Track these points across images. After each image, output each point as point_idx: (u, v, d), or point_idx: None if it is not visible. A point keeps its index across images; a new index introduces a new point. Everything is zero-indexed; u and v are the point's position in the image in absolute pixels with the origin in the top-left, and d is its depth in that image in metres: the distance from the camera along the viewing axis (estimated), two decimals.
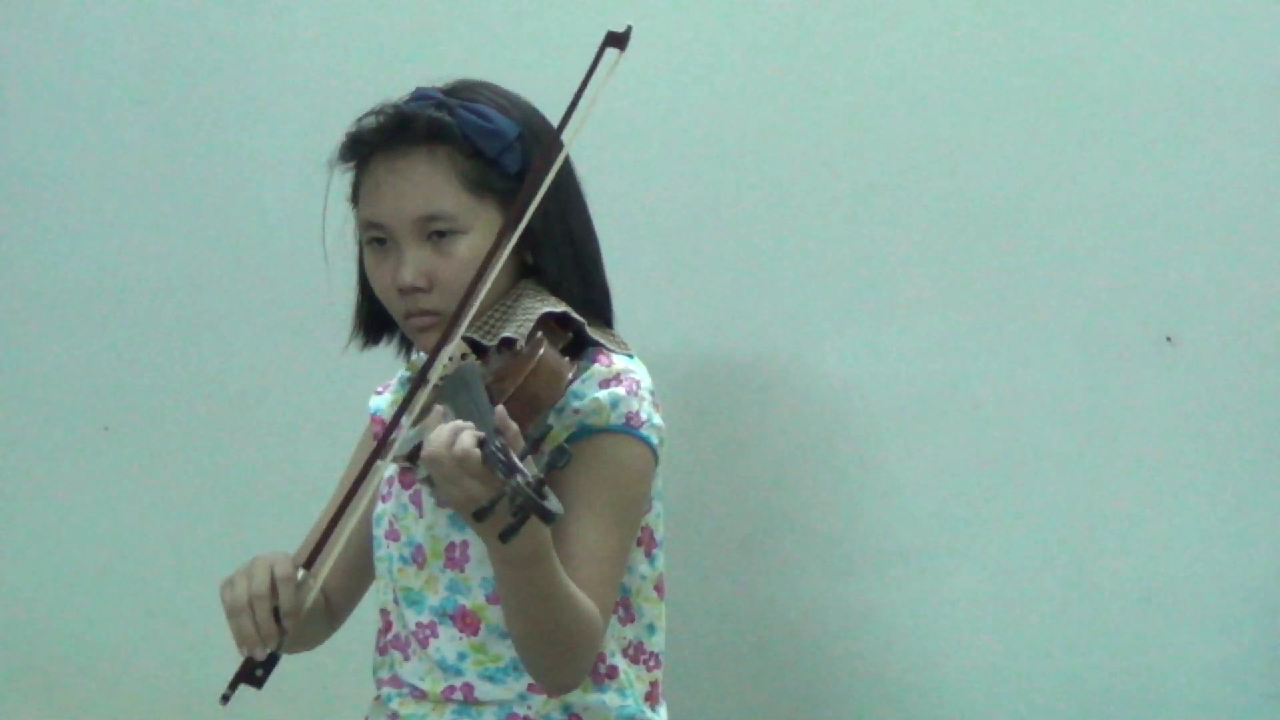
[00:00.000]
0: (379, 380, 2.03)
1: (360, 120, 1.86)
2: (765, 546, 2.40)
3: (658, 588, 1.90)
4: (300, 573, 1.78)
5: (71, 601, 2.84)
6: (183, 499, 2.77)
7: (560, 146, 1.80)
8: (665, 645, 1.91)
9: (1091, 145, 2.26)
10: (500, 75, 1.92)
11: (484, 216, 1.82)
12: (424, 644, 1.85)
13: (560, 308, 1.81)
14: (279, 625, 1.75)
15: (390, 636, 1.90)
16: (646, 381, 1.83)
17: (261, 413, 2.73)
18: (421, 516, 1.85)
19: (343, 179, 1.89)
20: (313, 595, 1.80)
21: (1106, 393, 2.26)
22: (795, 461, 2.38)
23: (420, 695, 1.86)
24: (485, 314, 1.81)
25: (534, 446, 1.54)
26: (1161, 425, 2.24)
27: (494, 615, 1.80)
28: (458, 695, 1.83)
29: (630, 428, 1.78)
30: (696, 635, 2.38)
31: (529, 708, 1.82)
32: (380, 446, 1.78)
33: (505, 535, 1.47)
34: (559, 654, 1.72)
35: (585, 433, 1.77)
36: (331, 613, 1.99)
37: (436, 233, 1.82)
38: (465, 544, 1.82)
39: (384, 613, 1.92)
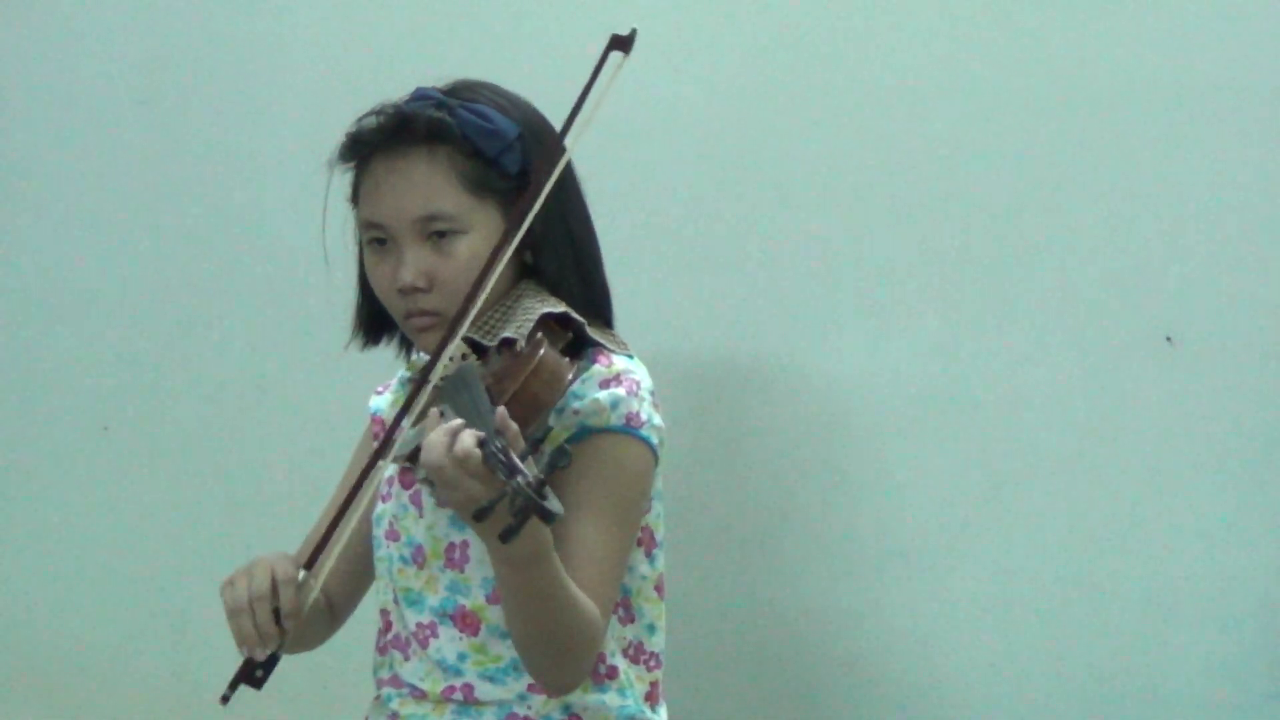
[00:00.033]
0: (379, 380, 2.03)
1: (360, 120, 1.86)
2: (765, 546, 2.40)
3: (658, 588, 1.90)
4: (301, 574, 1.78)
5: (71, 601, 2.84)
6: (183, 499, 2.77)
7: (563, 150, 1.80)
8: (665, 645, 1.91)
9: (1091, 145, 2.26)
10: (503, 78, 1.92)
11: (484, 217, 1.82)
12: (424, 644, 1.85)
13: (560, 308, 1.81)
14: (279, 626, 1.75)
15: (390, 637, 1.90)
16: (646, 382, 1.83)
17: (261, 413, 2.73)
18: (422, 517, 1.85)
19: (343, 179, 1.89)
20: (313, 596, 1.80)
21: (1106, 393, 2.26)
22: (795, 461, 2.38)
23: (420, 695, 1.86)
24: (485, 314, 1.81)
25: (534, 447, 1.54)
26: (1161, 425, 2.24)
27: (494, 615, 1.80)
28: (458, 695, 1.83)
29: (630, 428, 1.78)
30: (696, 635, 2.37)
31: (529, 708, 1.82)
32: (382, 447, 1.78)
33: (505, 536, 1.47)
34: (559, 654, 1.72)
35: (585, 433, 1.77)
36: (332, 613, 1.99)
37: (436, 233, 1.81)
38: (465, 544, 1.82)
39: (384, 613, 1.92)
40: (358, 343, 1.96)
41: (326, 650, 2.01)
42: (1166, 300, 2.24)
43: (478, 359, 1.79)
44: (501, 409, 1.59)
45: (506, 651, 1.80)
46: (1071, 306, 2.27)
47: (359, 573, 1.99)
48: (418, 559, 1.85)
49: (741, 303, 2.41)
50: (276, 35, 2.71)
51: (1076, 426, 2.27)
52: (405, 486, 1.88)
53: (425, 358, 1.86)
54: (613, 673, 1.84)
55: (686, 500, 2.35)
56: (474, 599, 1.82)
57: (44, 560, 2.86)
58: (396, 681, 1.89)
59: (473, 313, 1.76)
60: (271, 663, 1.76)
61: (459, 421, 1.60)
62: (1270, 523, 2.21)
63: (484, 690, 1.82)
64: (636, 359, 1.85)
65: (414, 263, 1.81)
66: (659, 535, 1.90)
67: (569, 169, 1.87)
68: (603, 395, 1.77)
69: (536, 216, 1.79)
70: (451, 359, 1.76)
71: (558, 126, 1.81)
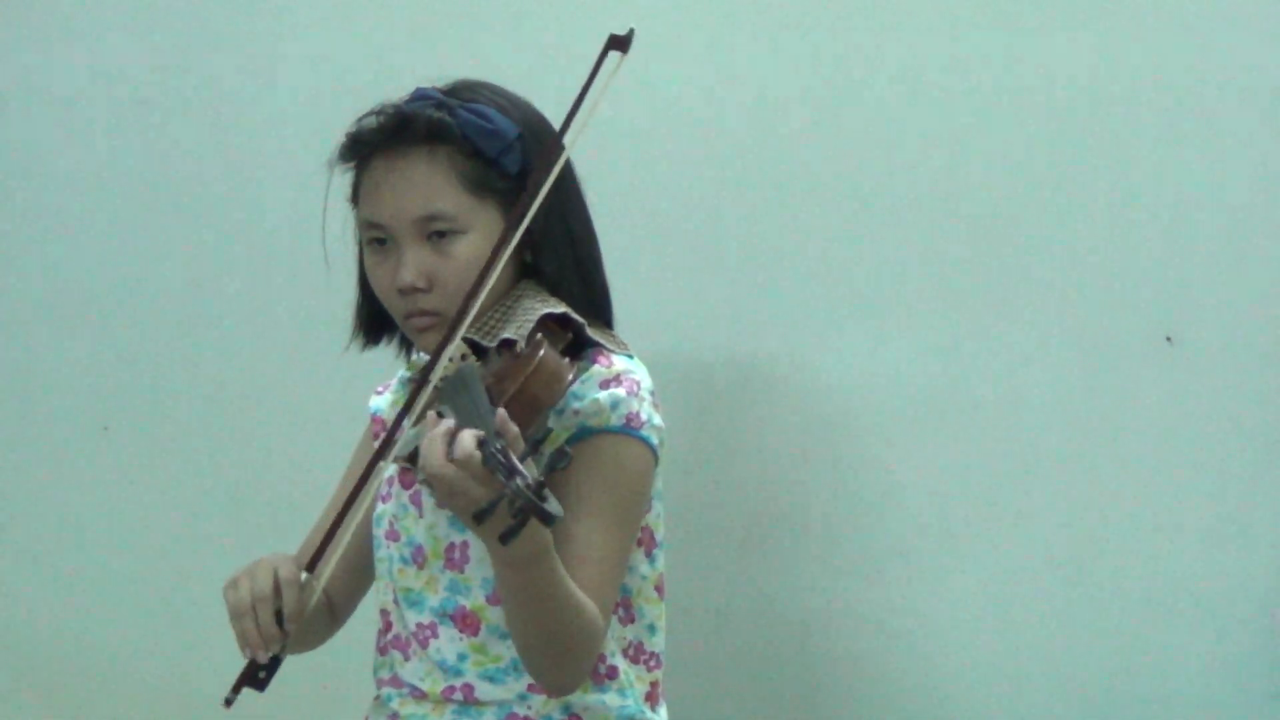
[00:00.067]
0: (379, 380, 2.03)
1: (360, 120, 1.85)
2: (765, 546, 2.40)
3: (658, 588, 1.90)
4: (303, 575, 1.78)
5: (71, 601, 2.84)
6: (183, 499, 2.77)
7: (561, 149, 1.80)
8: (665, 645, 1.91)
9: (1091, 145, 2.26)
10: (502, 78, 1.92)
11: (484, 217, 1.82)
12: (424, 644, 1.85)
13: (560, 308, 1.81)
14: (282, 628, 1.75)
15: (390, 637, 1.90)
16: (647, 382, 1.82)
17: (261, 413, 2.73)
18: (421, 517, 1.85)
19: (343, 179, 1.89)
20: (315, 597, 1.80)
21: (1106, 393, 2.26)
22: (795, 461, 2.38)
23: (420, 695, 1.86)
24: (485, 314, 1.81)
25: (534, 448, 1.54)
26: (1161, 425, 2.24)
27: (494, 616, 1.80)
28: (458, 696, 1.83)
29: (630, 429, 1.78)
30: (696, 635, 2.38)
31: (529, 708, 1.82)
32: (383, 448, 1.77)
33: (505, 537, 1.47)
34: (560, 655, 1.72)
35: (585, 434, 1.77)
36: (333, 613, 1.99)
37: (436, 233, 1.81)
38: (465, 545, 1.82)
39: (384, 613, 1.92)
40: (358, 343, 1.96)
41: (326, 650, 2.01)
42: (1166, 300, 2.24)
43: (477, 360, 1.79)
44: (501, 411, 1.59)
45: (506, 652, 1.80)
46: (1071, 306, 2.27)
47: (359, 573, 1.99)
48: (418, 559, 1.85)
49: (741, 303, 2.41)
50: (276, 35, 2.71)
51: (1076, 426, 2.27)
52: (405, 487, 1.88)
53: (425, 358, 1.85)
54: (613, 673, 1.84)
55: (686, 500, 2.35)
56: (474, 599, 1.82)
57: (44, 560, 2.85)
58: (397, 682, 1.89)
59: (472, 313, 1.76)
60: (274, 664, 1.76)
61: (453, 424, 1.60)
62: (1270, 523, 2.21)
63: (484, 690, 1.82)
64: (636, 359, 1.85)
65: (414, 263, 1.81)
66: (659, 535, 1.89)
67: (569, 169, 1.87)
68: (603, 396, 1.77)
69: (536, 216, 1.79)
70: (451, 359, 1.76)
71: (557, 126, 1.81)
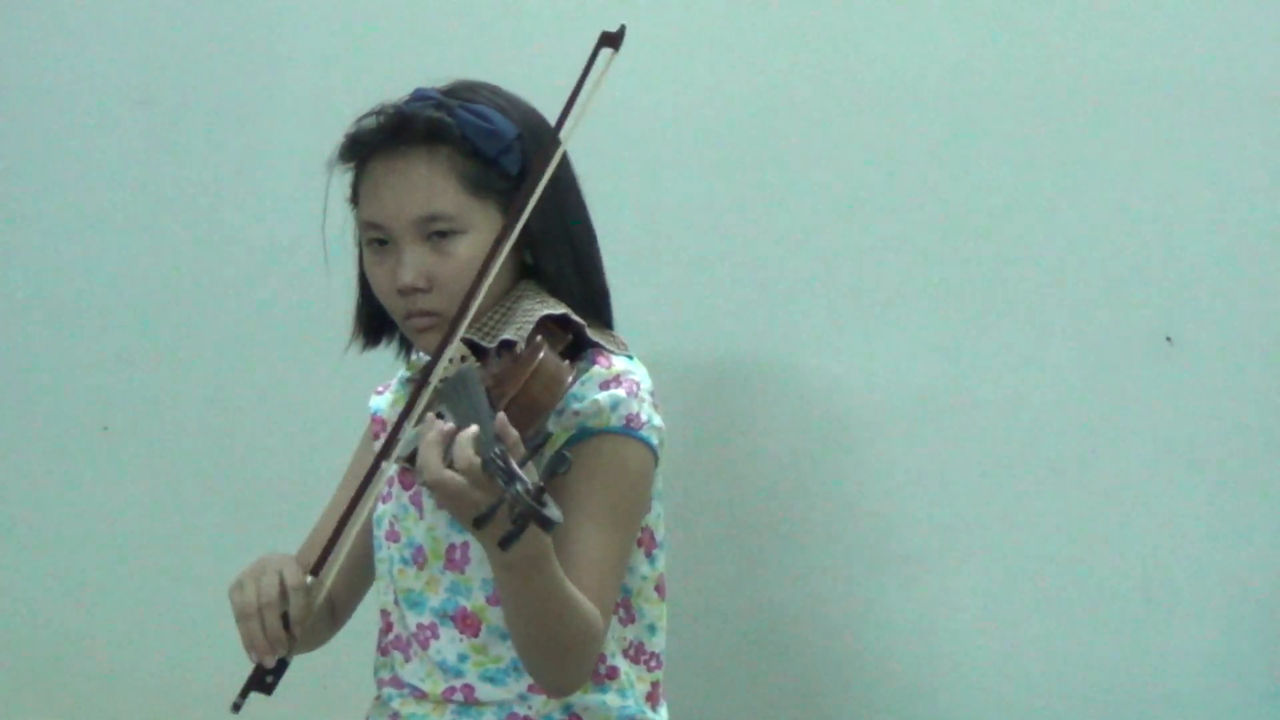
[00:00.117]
0: (379, 380, 2.03)
1: (360, 121, 1.86)
2: (765, 546, 2.40)
3: (658, 588, 1.90)
4: (309, 579, 1.78)
5: (72, 601, 2.84)
6: (182, 499, 2.77)
7: (558, 145, 1.80)
8: (666, 646, 1.91)
9: (1091, 145, 2.26)
10: (496, 75, 1.92)
11: (484, 217, 1.82)
12: (425, 645, 1.85)
13: (560, 309, 1.81)
14: (289, 632, 1.75)
15: (391, 637, 1.90)
16: (646, 383, 1.83)
17: (261, 413, 2.73)
18: (422, 518, 1.85)
19: (342, 180, 1.89)
20: (321, 599, 1.80)
21: (1106, 393, 2.26)
22: (795, 462, 2.38)
23: (421, 696, 1.86)
24: (484, 315, 1.81)
25: (534, 452, 1.54)
26: (1161, 425, 2.24)
27: (494, 616, 1.80)
28: (458, 696, 1.83)
29: (630, 429, 1.78)
30: (697, 635, 2.37)
31: (529, 708, 1.82)
32: (385, 449, 1.77)
33: (505, 543, 1.47)
34: (560, 657, 1.72)
35: (585, 434, 1.77)
36: (334, 613, 1.99)
37: (436, 233, 1.81)
38: (465, 545, 1.82)
39: (384, 613, 1.92)
40: (358, 344, 1.96)
41: (327, 650, 2.01)
42: (1166, 300, 2.24)
43: (477, 361, 1.79)
44: (502, 415, 1.59)
45: (507, 652, 1.80)
46: (1071, 306, 2.27)
47: (360, 573, 1.99)
48: (418, 560, 1.85)
49: (741, 303, 2.41)
50: (276, 35, 2.71)
51: (1076, 426, 2.27)
52: (405, 487, 1.88)
53: (425, 358, 1.86)
54: (613, 673, 1.84)
55: (686, 500, 2.35)
56: (474, 600, 1.82)
57: (44, 560, 2.86)
58: (397, 682, 1.89)
59: (471, 313, 1.76)
60: (281, 667, 1.76)
61: (450, 427, 1.60)
62: (1270, 523, 2.21)
63: (484, 691, 1.82)
64: (636, 360, 1.85)
65: (414, 263, 1.81)
66: (659, 535, 1.90)
67: (567, 168, 1.87)
68: (602, 396, 1.77)
69: (535, 216, 1.79)
70: (451, 360, 1.76)
71: (552, 120, 1.81)
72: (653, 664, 1.90)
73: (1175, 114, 2.23)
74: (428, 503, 1.84)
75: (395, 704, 1.88)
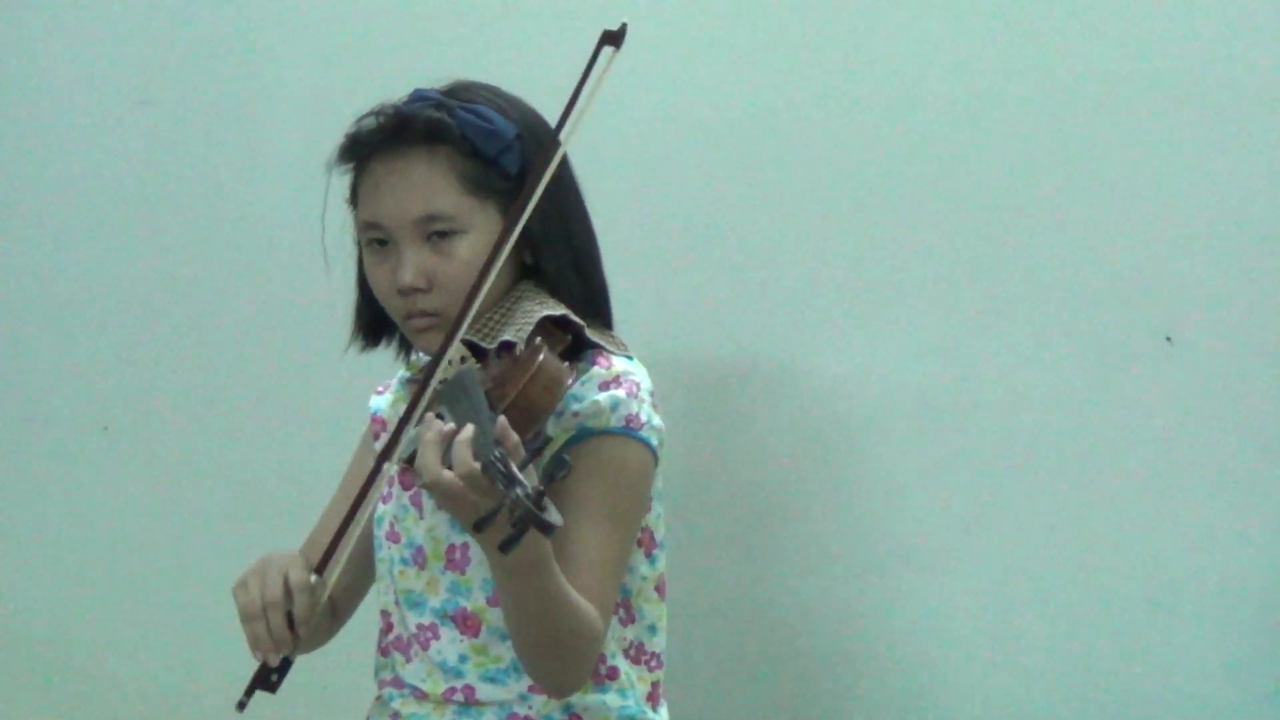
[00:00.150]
0: (379, 380, 2.03)
1: (359, 121, 1.86)
2: (765, 546, 2.40)
3: (659, 588, 1.90)
4: (313, 578, 1.78)
5: (72, 601, 2.84)
6: (182, 499, 2.77)
7: (558, 146, 1.80)
8: (666, 646, 1.91)
9: (1092, 145, 2.26)
10: (497, 75, 1.92)
11: (483, 217, 1.82)
12: (425, 646, 1.85)
13: (559, 310, 1.81)
14: (293, 631, 1.75)
15: (392, 638, 1.90)
16: (646, 383, 1.82)
17: (261, 413, 2.73)
18: (422, 518, 1.85)
19: (342, 180, 1.89)
20: (324, 598, 1.80)
21: (1106, 393, 2.26)
22: (795, 461, 2.38)
23: (422, 696, 1.86)
24: (484, 316, 1.81)
25: (534, 455, 1.54)
26: (1161, 425, 2.24)
27: (495, 617, 1.80)
28: (459, 696, 1.83)
29: (630, 430, 1.78)
30: (697, 635, 2.37)
31: (530, 708, 1.82)
32: (387, 450, 1.77)
33: (505, 547, 1.47)
34: (559, 659, 1.72)
35: (585, 435, 1.77)
36: (334, 613, 1.99)
37: (436, 233, 1.81)
38: (465, 546, 1.82)
39: (385, 614, 1.92)
40: (357, 345, 1.96)
41: (327, 651, 2.01)
42: (1166, 300, 2.24)
43: (477, 362, 1.79)
44: (502, 418, 1.59)
45: (507, 653, 1.80)
46: (1071, 306, 2.27)
47: (361, 573, 1.99)
48: (418, 560, 1.85)
49: (741, 303, 2.41)
50: (276, 35, 2.71)
51: (1076, 426, 2.27)
52: (405, 487, 1.88)
53: (425, 359, 1.85)
54: (614, 673, 1.84)
55: (686, 500, 2.35)
56: (474, 600, 1.82)
57: (44, 560, 2.86)
58: (398, 682, 1.89)
59: (472, 313, 1.76)
60: (285, 666, 1.76)
61: (449, 428, 1.60)
62: (1270, 523, 2.20)
63: (485, 691, 1.82)
64: (636, 360, 1.85)
65: (414, 263, 1.81)
66: (659, 536, 1.90)
67: (567, 169, 1.87)
68: (602, 397, 1.77)
69: (535, 216, 1.79)
70: (450, 361, 1.75)
71: (554, 121, 1.81)
72: (653, 664, 1.90)
73: (1175, 114, 2.23)
74: (428, 503, 1.84)
75: (396, 704, 1.88)
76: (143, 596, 2.80)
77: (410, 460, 1.69)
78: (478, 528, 1.51)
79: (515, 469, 1.50)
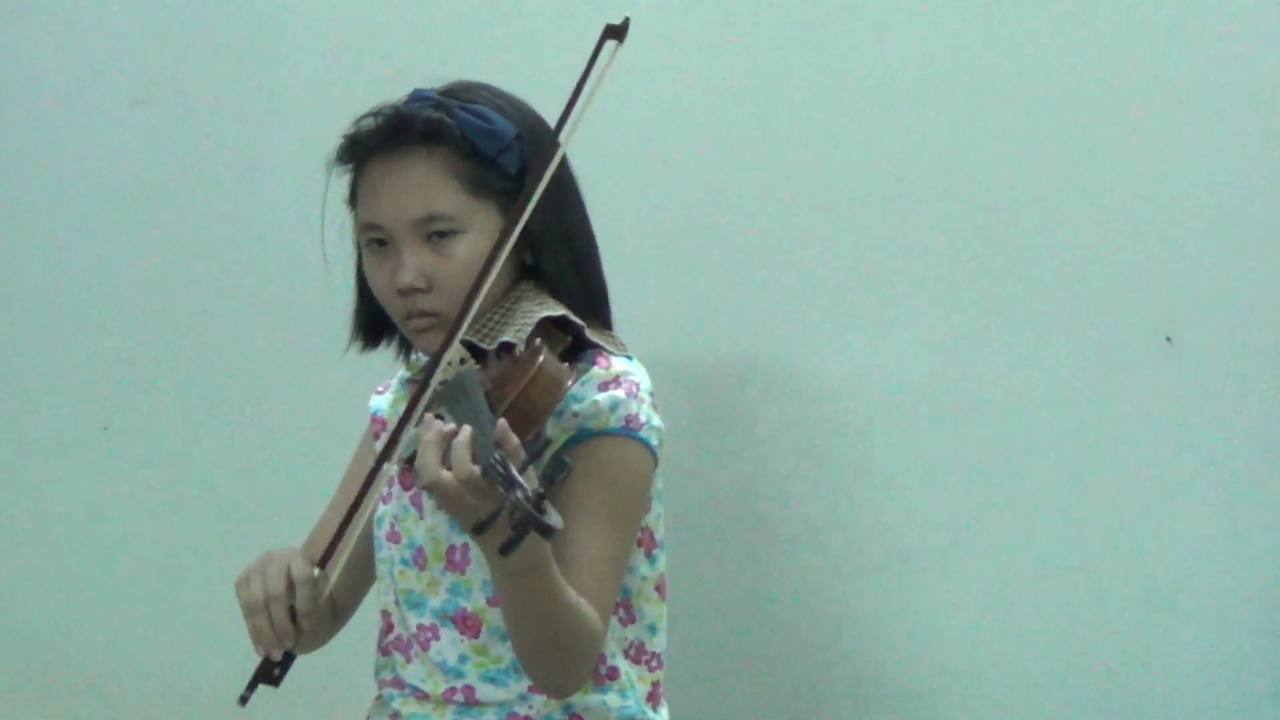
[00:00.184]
0: (379, 380, 2.03)
1: (357, 122, 1.85)
2: (765, 546, 2.40)
3: (659, 588, 1.90)
4: (315, 571, 1.77)
5: (72, 601, 2.84)
6: (182, 499, 2.77)
7: (558, 146, 1.80)
8: (666, 645, 1.91)
9: (1092, 145, 2.26)
10: (498, 73, 1.92)
11: (483, 217, 1.82)
12: (425, 646, 1.85)
13: (559, 311, 1.80)
14: (295, 625, 1.74)
15: (392, 638, 1.90)
16: (646, 383, 1.82)
17: (261, 413, 2.73)
18: (422, 519, 1.85)
19: (340, 181, 1.88)
20: (327, 592, 1.79)
21: (1106, 393, 2.26)
22: (795, 461, 2.38)
23: (422, 696, 1.86)
24: (484, 316, 1.81)
25: (534, 458, 1.54)
26: (1161, 425, 2.24)
27: (495, 617, 1.80)
28: (459, 697, 1.83)
29: (629, 430, 1.78)
30: (697, 635, 2.37)
31: (530, 708, 1.82)
32: (388, 449, 1.77)
33: (505, 550, 1.47)
34: (559, 660, 1.72)
35: (584, 436, 1.77)
36: (335, 612, 1.99)
37: (436, 233, 1.81)
38: (466, 547, 1.82)
39: (385, 614, 1.92)
40: (356, 346, 1.96)
41: (328, 651, 2.01)
42: (1166, 300, 2.24)
43: (476, 363, 1.79)
44: (502, 421, 1.59)
45: (507, 653, 1.80)
46: (1071, 306, 2.27)
47: (361, 572, 1.98)
48: (419, 561, 1.85)
49: (741, 303, 2.41)
50: (276, 35, 2.71)
51: (1076, 426, 2.27)
52: (406, 488, 1.88)
53: (425, 359, 1.85)
54: (614, 673, 1.84)
55: (686, 500, 2.35)
56: (475, 601, 1.82)
57: (44, 560, 2.86)
58: (398, 683, 1.89)
59: (472, 313, 1.76)
60: (288, 660, 1.75)
61: (449, 428, 1.60)
62: (1270, 523, 2.21)
63: (485, 691, 1.82)
64: (635, 360, 1.85)
65: (413, 263, 1.81)
66: (659, 536, 1.89)
67: (567, 170, 1.87)
68: (602, 398, 1.77)
69: (535, 216, 1.79)
70: (450, 363, 1.75)
71: (555, 117, 1.81)
72: (653, 664, 1.90)
73: (1175, 114, 2.23)
74: (428, 504, 1.84)
75: (396, 704, 1.88)
76: (143, 596, 2.80)
77: (410, 461, 1.68)
78: (477, 530, 1.51)
79: (515, 472, 1.49)
